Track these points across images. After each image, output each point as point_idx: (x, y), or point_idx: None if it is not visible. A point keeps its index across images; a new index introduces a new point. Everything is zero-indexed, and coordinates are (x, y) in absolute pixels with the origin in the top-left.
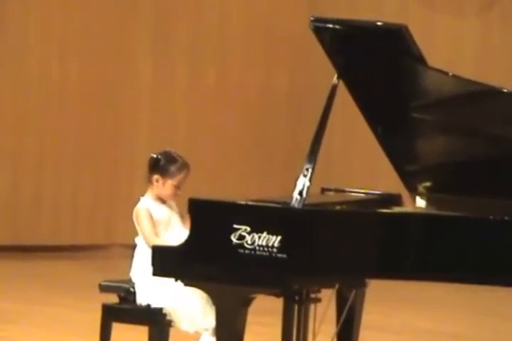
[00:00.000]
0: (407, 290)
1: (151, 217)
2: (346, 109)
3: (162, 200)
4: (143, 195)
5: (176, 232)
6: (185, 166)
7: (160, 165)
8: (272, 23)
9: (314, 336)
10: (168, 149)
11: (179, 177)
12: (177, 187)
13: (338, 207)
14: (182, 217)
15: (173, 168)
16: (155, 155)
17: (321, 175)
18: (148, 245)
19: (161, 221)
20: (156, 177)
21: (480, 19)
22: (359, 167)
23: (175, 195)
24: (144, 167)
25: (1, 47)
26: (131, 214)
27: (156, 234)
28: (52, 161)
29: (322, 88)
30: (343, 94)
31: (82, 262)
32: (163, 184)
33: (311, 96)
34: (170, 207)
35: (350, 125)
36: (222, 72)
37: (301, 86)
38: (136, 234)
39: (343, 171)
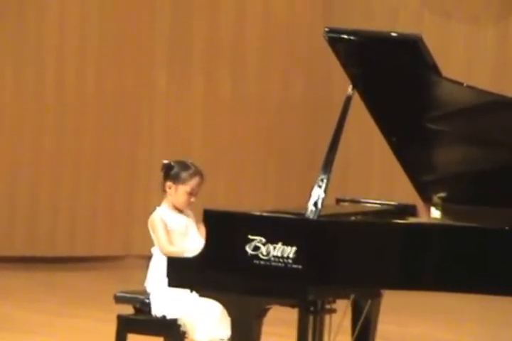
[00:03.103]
0: (422, 301)
1: (166, 226)
2: (363, 119)
3: (178, 210)
4: (159, 205)
5: (193, 242)
6: (197, 173)
7: (172, 172)
8: (288, 34)
9: None
10: (183, 159)
11: (191, 183)
12: (190, 194)
13: (353, 218)
14: (198, 227)
15: (185, 174)
16: (168, 162)
17: (337, 186)
18: (163, 253)
19: (178, 230)
20: (168, 184)
21: (497, 28)
22: (375, 177)
23: (188, 203)
24: (160, 178)
25: (19, 57)
26: (148, 225)
27: (171, 243)
28: (69, 172)
29: (339, 97)
30: (360, 104)
31: (99, 273)
32: (176, 190)
33: (328, 106)
34: (187, 216)
35: (367, 135)
36: (239, 82)
37: (318, 95)
38: (152, 244)
39: (359, 182)
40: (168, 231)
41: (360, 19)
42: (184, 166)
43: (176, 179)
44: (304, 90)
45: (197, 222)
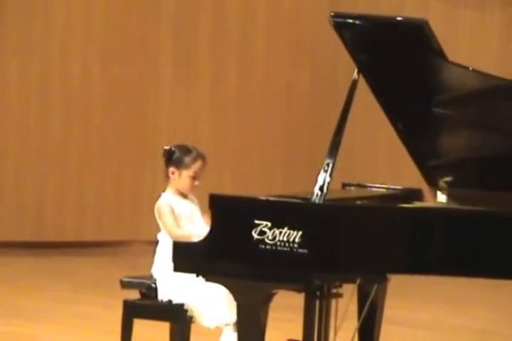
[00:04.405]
0: (432, 286)
1: (173, 211)
2: (368, 103)
3: (183, 195)
4: (164, 191)
5: (198, 228)
6: (199, 156)
7: (174, 157)
8: (295, 23)
9: (336, 331)
10: (183, 143)
11: (194, 167)
12: (193, 178)
13: (358, 202)
14: (203, 212)
15: (187, 159)
16: (169, 147)
17: (343, 171)
18: (172, 237)
19: (183, 216)
20: (171, 169)
21: (502, 13)
22: (381, 162)
23: (192, 187)
24: (163, 164)
25: (25, 51)
26: (155, 212)
27: (179, 226)
28: (76, 158)
29: (345, 86)
30: (366, 89)
31: (106, 258)
32: (179, 176)
33: (334, 94)
34: (191, 202)
35: (372, 120)
36: (245, 71)
37: (325, 84)
38: (159, 230)
39: (365, 166)
40: (175, 216)
41: (366, 7)
42: (185, 150)
43: (179, 164)
44: (311, 79)
45: (202, 212)
